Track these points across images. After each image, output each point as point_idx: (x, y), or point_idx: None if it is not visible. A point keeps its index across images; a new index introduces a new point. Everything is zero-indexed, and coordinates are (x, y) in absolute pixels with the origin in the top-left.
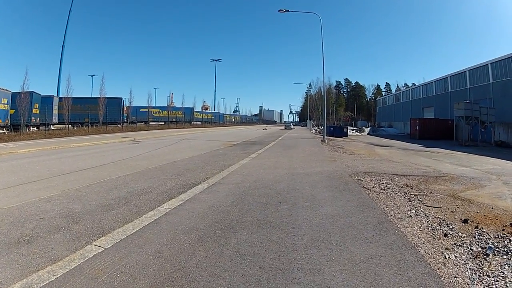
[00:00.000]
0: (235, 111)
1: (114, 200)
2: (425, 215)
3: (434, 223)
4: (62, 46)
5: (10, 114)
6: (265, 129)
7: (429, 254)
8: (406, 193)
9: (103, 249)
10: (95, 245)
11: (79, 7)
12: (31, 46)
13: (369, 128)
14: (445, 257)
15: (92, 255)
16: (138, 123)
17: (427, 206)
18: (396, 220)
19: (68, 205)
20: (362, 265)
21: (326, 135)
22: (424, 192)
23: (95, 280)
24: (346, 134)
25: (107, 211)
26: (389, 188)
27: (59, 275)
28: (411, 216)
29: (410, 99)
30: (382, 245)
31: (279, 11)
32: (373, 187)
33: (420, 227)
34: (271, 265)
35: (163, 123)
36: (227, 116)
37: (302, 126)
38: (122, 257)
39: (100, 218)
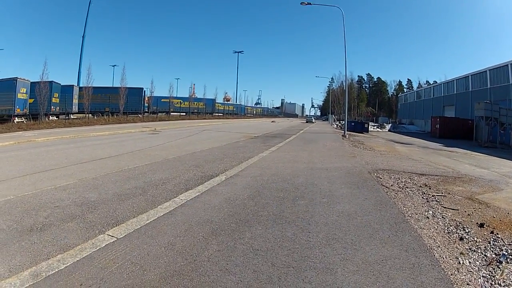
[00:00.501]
0: (256, 104)
1: (131, 190)
2: (442, 217)
3: (450, 225)
4: (83, 36)
5: (29, 103)
6: (273, 121)
7: (443, 258)
8: (424, 193)
9: (116, 239)
10: (108, 234)
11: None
12: (52, 37)
13: (390, 125)
14: (459, 262)
15: (104, 245)
16: (159, 114)
17: (445, 207)
18: (413, 220)
19: (84, 193)
20: (375, 266)
21: (347, 130)
22: (442, 193)
23: (105, 270)
24: (367, 130)
25: (122, 201)
26: (407, 187)
27: (68, 264)
28: (428, 217)
29: (432, 96)
30: (397, 247)
31: (301, 3)
32: (391, 185)
33: (436, 229)
34: (283, 262)
35: (184, 114)
36: (249, 108)
37: (323, 120)
38: (134, 247)
39: (115, 207)
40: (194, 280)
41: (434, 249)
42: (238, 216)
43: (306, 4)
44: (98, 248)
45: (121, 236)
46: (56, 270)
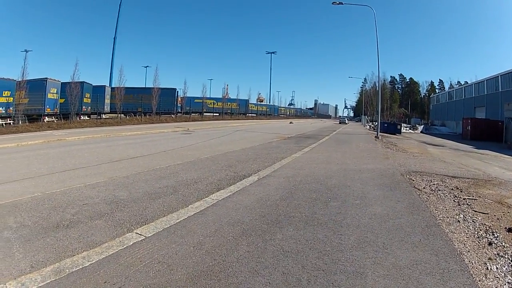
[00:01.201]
0: (290, 104)
1: (162, 189)
2: (473, 221)
3: (480, 230)
4: (114, 38)
5: (60, 103)
6: (291, 122)
7: (472, 263)
8: (456, 196)
9: (144, 238)
10: (136, 233)
11: (131, 2)
12: (85, 39)
13: (422, 126)
14: (488, 268)
15: (131, 243)
16: (192, 114)
17: (475, 211)
18: (444, 224)
19: (114, 192)
20: (406, 271)
21: (380, 132)
22: (473, 196)
23: (130, 269)
24: (399, 131)
25: (153, 200)
26: (439, 190)
27: (93, 261)
28: (459, 221)
29: (463, 97)
30: (428, 251)
31: (332, 3)
32: (423, 187)
33: (467, 233)
34: (314, 264)
35: (218, 114)
36: (282, 109)
37: (356, 121)
38: (162, 246)
39: (145, 206)
40: (222, 281)
41: (464, 254)
42: (270, 217)
43: (338, 3)
44: (125, 246)
45: (149, 235)
46: (80, 267)
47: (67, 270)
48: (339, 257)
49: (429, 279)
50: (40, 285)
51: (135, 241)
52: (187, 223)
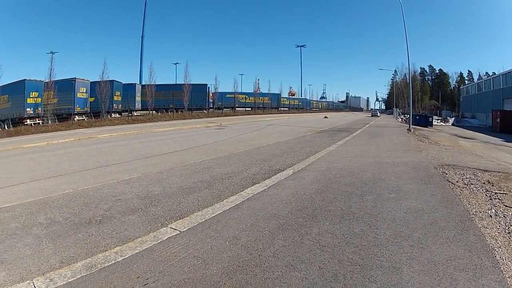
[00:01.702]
0: (321, 97)
1: (196, 184)
2: (504, 216)
3: (510, 225)
4: (142, 36)
5: (90, 102)
6: (326, 117)
7: (503, 260)
8: (488, 190)
9: (179, 232)
10: (170, 227)
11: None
12: (114, 40)
13: (453, 119)
14: None
15: (166, 238)
16: (224, 109)
17: (506, 206)
18: (477, 219)
19: (148, 187)
20: (440, 267)
21: (412, 124)
22: (504, 190)
23: (165, 263)
24: (431, 124)
25: (187, 194)
26: (472, 184)
27: (127, 256)
28: (491, 216)
29: (492, 89)
30: (462, 246)
31: None
32: (457, 181)
33: (498, 228)
34: (350, 259)
35: (250, 109)
36: (314, 102)
37: (388, 114)
38: (197, 241)
39: (180, 201)
40: (258, 276)
41: (495, 250)
42: (306, 211)
43: None
44: (159, 241)
45: (184, 229)
46: (113, 262)
47: (99, 265)
48: (375, 252)
49: (462, 275)
50: (69, 280)
51: (169, 236)
52: (222, 218)
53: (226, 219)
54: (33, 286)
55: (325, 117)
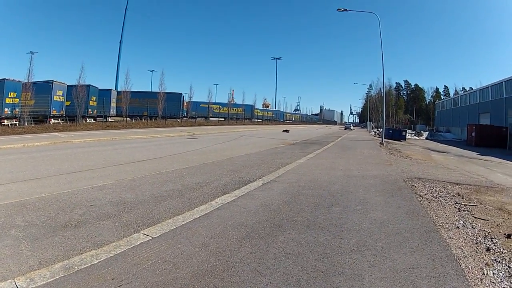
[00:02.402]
0: (295, 110)
1: (168, 192)
2: (472, 227)
3: (479, 236)
4: (120, 42)
5: (66, 106)
6: (287, 130)
7: (469, 268)
8: (457, 202)
9: (151, 238)
10: (143, 233)
11: (139, 7)
12: (92, 44)
13: (427, 133)
14: (484, 273)
15: (138, 243)
16: (197, 119)
17: (475, 217)
18: (443, 230)
19: (121, 194)
20: (402, 274)
21: (385, 138)
22: (474, 203)
23: (138, 266)
24: (404, 138)
25: (159, 202)
26: (441, 196)
27: (102, 259)
28: (458, 227)
29: (468, 104)
30: (425, 255)
31: (337, 10)
32: (425, 194)
33: (465, 239)
34: (313, 266)
35: (223, 119)
36: (288, 114)
37: (362, 128)
38: (168, 247)
39: (152, 208)
40: (225, 280)
41: (461, 259)
42: (273, 221)
43: (343, 10)
44: (132, 245)
45: (156, 236)
46: (89, 264)
47: (76, 267)
48: (338, 259)
49: (425, 282)
50: (49, 280)
51: (142, 241)
52: (192, 225)
53: (196, 226)
54: (15, 285)
55: (284, 131)
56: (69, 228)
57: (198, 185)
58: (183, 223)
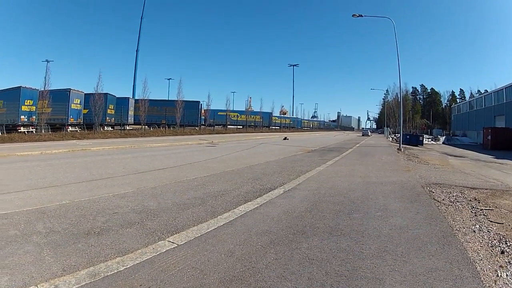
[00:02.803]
0: (313, 117)
1: (190, 200)
2: (488, 231)
3: (494, 239)
4: (136, 50)
5: (84, 114)
6: (286, 138)
7: (484, 271)
8: (473, 207)
9: (176, 245)
10: (168, 241)
11: (155, 15)
12: (109, 53)
13: (444, 137)
14: (498, 275)
15: (164, 250)
16: (215, 126)
17: (491, 221)
18: (460, 234)
19: (143, 202)
20: (421, 277)
21: (402, 143)
22: (490, 207)
23: (165, 273)
24: (421, 143)
25: (182, 210)
26: (458, 201)
27: (128, 266)
28: (474, 231)
29: (483, 106)
30: (443, 259)
31: (352, 15)
32: (443, 199)
33: (481, 242)
34: (336, 271)
35: (241, 127)
36: (305, 121)
37: (379, 133)
38: (194, 254)
39: (175, 216)
40: (252, 285)
41: (476, 262)
42: (296, 228)
43: (358, 16)
44: (158, 252)
45: (181, 243)
46: (115, 271)
47: (102, 274)
48: (360, 264)
49: (442, 284)
50: (74, 287)
51: (168, 248)
52: (217, 233)
53: (220, 234)
54: None
55: (284, 139)
56: (92, 235)
57: (219, 193)
58: (208, 230)
